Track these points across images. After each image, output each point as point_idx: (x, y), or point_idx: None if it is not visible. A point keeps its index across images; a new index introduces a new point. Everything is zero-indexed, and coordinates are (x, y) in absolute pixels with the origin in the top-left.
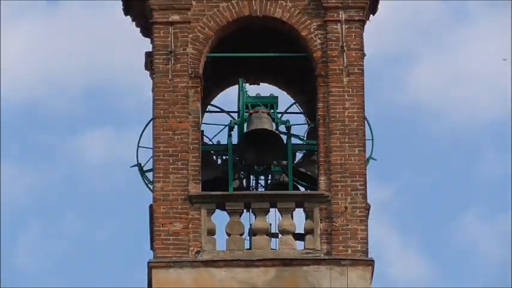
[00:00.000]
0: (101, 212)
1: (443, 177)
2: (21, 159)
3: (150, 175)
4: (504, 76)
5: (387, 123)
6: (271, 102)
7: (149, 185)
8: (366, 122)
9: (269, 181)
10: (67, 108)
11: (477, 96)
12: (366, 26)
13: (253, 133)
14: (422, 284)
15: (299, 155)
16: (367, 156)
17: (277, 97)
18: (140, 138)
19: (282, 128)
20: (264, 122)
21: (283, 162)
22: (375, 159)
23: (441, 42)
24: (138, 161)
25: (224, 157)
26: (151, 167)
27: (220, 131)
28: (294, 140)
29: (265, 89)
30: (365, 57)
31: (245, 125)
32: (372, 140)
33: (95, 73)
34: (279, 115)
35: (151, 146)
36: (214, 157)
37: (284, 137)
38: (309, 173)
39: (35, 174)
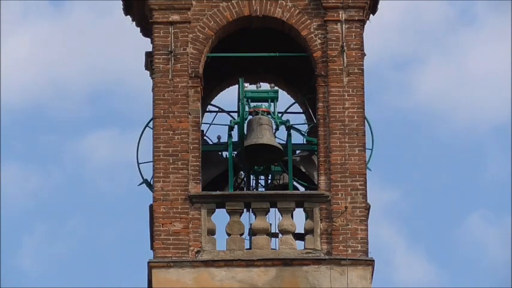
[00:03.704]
0: (104, 213)
1: (448, 179)
2: (26, 161)
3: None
4: (509, 79)
5: (392, 125)
6: (271, 97)
7: None
8: (366, 121)
9: (269, 181)
10: (72, 110)
11: (482, 99)
12: (370, 29)
13: (253, 146)
14: (427, 285)
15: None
16: (366, 159)
17: (277, 91)
18: (141, 136)
19: (282, 128)
20: (263, 130)
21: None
22: (370, 170)
23: (446, 44)
24: (143, 177)
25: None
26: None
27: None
28: (294, 140)
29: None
30: (369, 59)
31: (245, 125)
32: (372, 139)
33: (100, 75)
34: (279, 115)
35: (152, 146)
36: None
37: (284, 135)
38: (306, 173)
39: (39, 176)
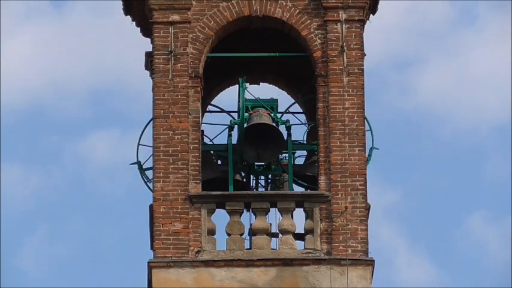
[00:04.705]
0: (104, 213)
1: (448, 180)
2: (27, 162)
3: (149, 173)
4: (509, 80)
5: (393, 126)
6: (271, 105)
7: (148, 183)
8: (366, 121)
9: (269, 181)
10: (72, 110)
11: (483, 99)
12: (371, 29)
13: (253, 129)
14: (427, 285)
15: (300, 159)
16: (369, 147)
17: (277, 100)
18: (141, 135)
19: (282, 128)
20: (264, 119)
21: (283, 162)
22: (377, 149)
23: (447, 45)
24: (138, 158)
25: (222, 160)
26: (151, 165)
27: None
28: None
29: (265, 88)
30: (370, 59)
31: (245, 124)
32: (372, 133)
33: (100, 75)
34: (279, 115)
35: (151, 157)
36: (213, 158)
37: (284, 134)
38: (311, 174)
39: (40, 176)
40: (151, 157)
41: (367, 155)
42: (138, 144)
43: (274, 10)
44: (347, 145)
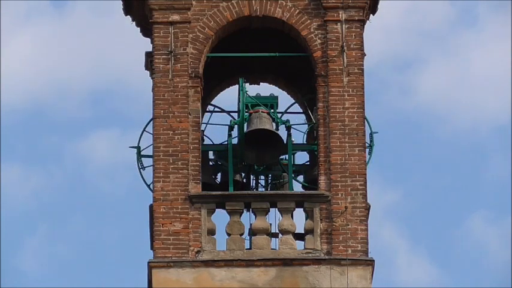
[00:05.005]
0: (105, 213)
1: (449, 180)
2: (27, 162)
3: (146, 161)
4: (509, 80)
5: (393, 126)
6: (271, 102)
7: (141, 169)
8: (366, 121)
9: (269, 181)
10: (73, 110)
11: (483, 99)
12: (372, 30)
13: (253, 133)
14: (427, 285)
15: (304, 160)
16: (369, 133)
17: (277, 97)
18: (147, 124)
19: (282, 127)
20: (264, 122)
21: (284, 162)
22: (377, 132)
23: (447, 45)
24: (139, 143)
25: (220, 162)
26: (149, 154)
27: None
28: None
29: (265, 88)
30: (370, 60)
31: (245, 124)
32: (367, 120)
33: (100, 75)
34: (279, 115)
35: (152, 146)
36: (210, 162)
37: (284, 136)
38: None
39: (40, 176)
40: (151, 147)
41: (369, 141)
42: (143, 131)
43: (274, 10)
44: (347, 145)
